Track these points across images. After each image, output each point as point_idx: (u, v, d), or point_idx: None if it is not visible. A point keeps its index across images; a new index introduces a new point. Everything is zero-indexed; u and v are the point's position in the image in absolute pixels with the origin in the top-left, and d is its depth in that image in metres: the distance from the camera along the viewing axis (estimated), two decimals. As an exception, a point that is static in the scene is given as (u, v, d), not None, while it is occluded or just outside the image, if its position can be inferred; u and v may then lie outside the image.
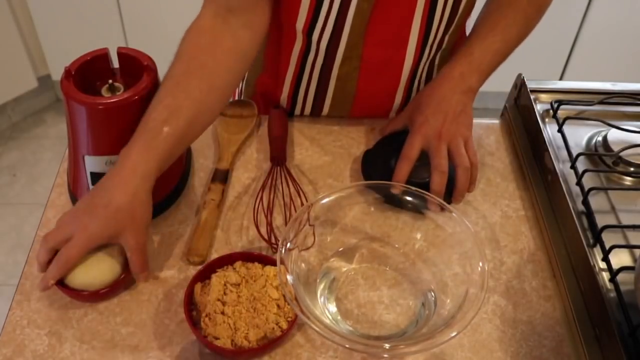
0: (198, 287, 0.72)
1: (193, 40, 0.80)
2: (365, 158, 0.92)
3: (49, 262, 0.71)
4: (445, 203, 0.75)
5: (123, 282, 0.75)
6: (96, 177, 0.80)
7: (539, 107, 0.99)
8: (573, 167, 0.89)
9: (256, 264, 0.75)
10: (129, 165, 0.71)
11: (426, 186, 0.82)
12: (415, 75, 0.94)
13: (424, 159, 0.85)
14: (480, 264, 0.69)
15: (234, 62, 0.81)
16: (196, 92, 0.76)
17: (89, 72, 0.80)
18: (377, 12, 0.82)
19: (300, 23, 0.85)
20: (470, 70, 0.86)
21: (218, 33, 0.79)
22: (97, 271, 0.72)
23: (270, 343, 0.68)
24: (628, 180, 0.89)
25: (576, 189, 0.86)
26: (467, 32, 0.93)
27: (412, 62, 0.90)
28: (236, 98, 1.08)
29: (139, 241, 0.72)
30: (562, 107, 0.98)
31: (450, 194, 0.84)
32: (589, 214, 0.82)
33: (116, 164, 0.72)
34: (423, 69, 0.94)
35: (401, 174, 0.82)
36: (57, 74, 2.32)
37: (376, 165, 0.90)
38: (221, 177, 0.89)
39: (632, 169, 0.89)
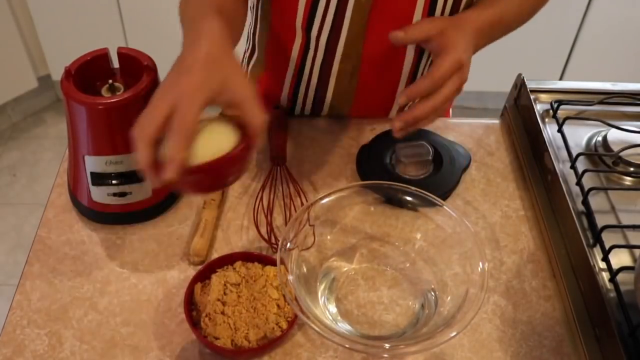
0: (198, 287, 0.72)
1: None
2: (360, 153, 0.92)
3: (154, 163, 0.58)
4: (437, 198, 0.76)
5: (247, 149, 0.62)
6: (96, 177, 0.80)
7: (538, 107, 0.99)
8: (573, 167, 0.89)
9: (256, 264, 0.75)
10: (205, 28, 0.64)
11: (422, 183, 0.82)
12: (415, 73, 0.94)
13: (420, 149, 0.85)
14: (480, 264, 0.69)
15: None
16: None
17: (89, 72, 0.80)
18: (376, 8, 0.82)
19: (299, 19, 0.85)
20: (488, 33, 0.83)
21: None
22: (218, 138, 0.61)
23: (270, 343, 0.68)
24: (628, 180, 0.89)
25: (576, 189, 0.86)
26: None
27: (413, 60, 0.90)
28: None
29: (249, 86, 0.61)
30: (562, 107, 0.98)
31: (441, 191, 0.84)
32: (589, 214, 0.82)
33: (186, 39, 0.66)
34: (424, 67, 0.94)
35: (417, 89, 0.72)
36: (57, 74, 2.32)
37: (371, 161, 0.90)
38: (221, 177, 0.89)
39: (632, 169, 0.89)
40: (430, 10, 0.82)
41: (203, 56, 0.60)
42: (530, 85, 1.00)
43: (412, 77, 0.95)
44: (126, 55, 0.82)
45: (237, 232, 0.84)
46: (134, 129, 0.57)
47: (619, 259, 0.77)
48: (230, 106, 0.61)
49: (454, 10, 0.83)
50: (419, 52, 0.89)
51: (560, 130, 0.94)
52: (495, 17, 0.82)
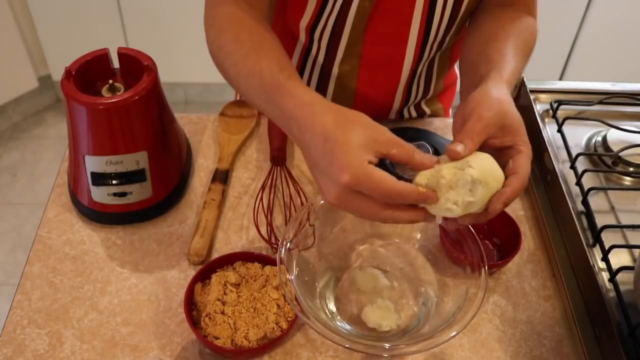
0: (198, 287, 0.73)
1: (237, 23, 0.74)
2: None
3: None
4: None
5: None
6: (96, 177, 0.80)
7: (538, 107, 0.99)
8: (573, 167, 0.89)
9: (256, 264, 0.75)
10: (298, 111, 0.62)
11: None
12: (415, 74, 0.94)
13: (420, 149, 0.85)
14: (480, 264, 0.69)
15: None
16: (273, 51, 0.72)
17: (89, 72, 0.80)
18: (377, 10, 0.82)
19: (305, 21, 0.86)
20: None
21: (253, 18, 0.76)
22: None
23: (270, 343, 0.68)
24: (627, 180, 0.89)
25: (576, 189, 0.86)
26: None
27: (412, 61, 0.90)
28: (236, 98, 1.08)
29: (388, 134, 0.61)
30: (561, 107, 0.98)
31: None
32: (589, 213, 0.82)
33: (276, 116, 0.64)
34: (422, 68, 0.94)
35: (514, 196, 0.63)
36: (57, 74, 2.32)
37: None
38: (221, 177, 0.89)
39: (631, 169, 0.89)
40: (429, 13, 0.82)
41: (335, 129, 0.59)
42: (530, 85, 1.01)
43: (412, 77, 0.95)
44: (126, 55, 0.82)
45: (237, 232, 0.84)
46: (383, 222, 0.60)
47: (619, 258, 0.77)
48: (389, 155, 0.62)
49: (454, 11, 0.83)
50: (419, 52, 0.89)
51: (560, 130, 0.94)
52: (513, 78, 0.74)
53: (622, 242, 0.79)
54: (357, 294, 0.74)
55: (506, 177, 0.63)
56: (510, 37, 0.77)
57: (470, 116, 0.64)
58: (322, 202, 0.74)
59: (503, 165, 0.64)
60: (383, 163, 0.89)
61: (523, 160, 0.64)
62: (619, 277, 0.74)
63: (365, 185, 0.57)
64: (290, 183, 0.89)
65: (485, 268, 0.69)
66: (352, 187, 0.57)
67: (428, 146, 0.89)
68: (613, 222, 0.82)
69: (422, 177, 0.61)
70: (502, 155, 0.65)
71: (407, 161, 0.61)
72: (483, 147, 0.63)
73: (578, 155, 0.88)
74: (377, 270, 0.77)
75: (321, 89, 0.97)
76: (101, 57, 0.82)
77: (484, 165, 0.61)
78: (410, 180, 0.81)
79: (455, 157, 0.62)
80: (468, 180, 0.60)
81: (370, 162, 0.58)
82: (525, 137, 0.65)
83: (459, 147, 0.62)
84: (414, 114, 1.05)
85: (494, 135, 0.64)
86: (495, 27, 0.80)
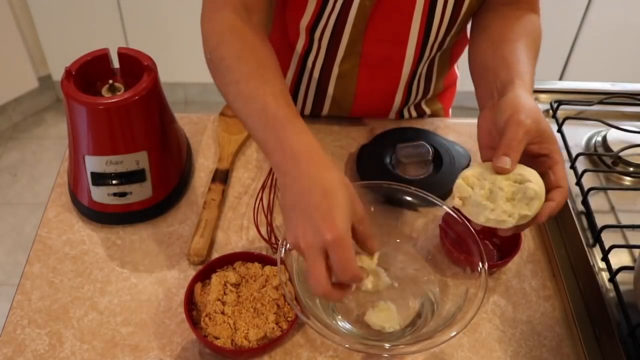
0: (198, 287, 0.73)
1: (238, 37, 0.74)
2: (360, 153, 0.92)
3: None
4: (437, 198, 0.76)
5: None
6: (96, 177, 0.80)
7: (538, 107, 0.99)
8: (573, 167, 0.89)
9: (256, 264, 0.75)
10: (302, 149, 0.63)
11: (422, 183, 0.82)
12: (415, 74, 0.94)
13: (420, 149, 0.85)
14: (480, 264, 0.69)
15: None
16: (277, 79, 0.72)
17: (90, 72, 0.80)
18: (378, 10, 0.82)
19: (305, 21, 0.86)
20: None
21: (255, 30, 0.76)
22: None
23: (270, 343, 0.68)
24: (627, 180, 0.89)
25: (576, 189, 0.86)
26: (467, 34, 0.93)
27: (412, 61, 0.90)
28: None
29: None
30: (561, 107, 0.98)
31: (441, 191, 0.84)
32: (589, 213, 0.82)
33: (280, 163, 0.65)
34: (423, 68, 0.94)
35: (558, 208, 0.65)
36: (57, 74, 2.32)
37: (371, 161, 0.90)
38: (221, 177, 0.89)
39: (631, 169, 0.89)
40: (429, 13, 0.82)
41: (332, 192, 0.61)
42: (531, 85, 1.01)
43: (412, 77, 0.95)
44: (126, 56, 0.82)
45: (237, 232, 0.84)
46: (315, 291, 0.61)
47: (619, 258, 0.77)
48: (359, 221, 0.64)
49: (455, 12, 0.83)
50: (419, 52, 0.89)
51: (560, 130, 0.94)
52: (532, 85, 0.74)
53: (622, 242, 0.79)
54: (358, 294, 0.74)
55: (550, 189, 0.64)
56: (521, 39, 0.77)
57: (509, 124, 0.64)
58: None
59: (540, 172, 0.65)
60: (383, 162, 0.89)
61: (563, 172, 0.65)
62: (619, 277, 0.74)
63: (338, 252, 0.59)
64: (290, 183, 0.89)
65: (485, 268, 0.69)
66: (328, 245, 0.59)
67: (428, 146, 0.89)
68: (613, 222, 0.82)
69: (365, 260, 0.67)
70: (537, 162, 0.66)
71: (363, 241, 0.66)
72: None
73: (578, 155, 0.88)
74: (379, 268, 0.77)
75: (321, 88, 0.97)
76: (101, 57, 0.82)
77: (539, 180, 0.63)
78: (410, 181, 0.81)
79: (502, 173, 0.63)
80: (530, 195, 0.62)
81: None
82: (558, 145, 0.67)
83: (507, 162, 0.63)
84: (414, 114, 1.05)
85: (533, 141, 0.65)
86: (504, 28, 0.80)
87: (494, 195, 0.63)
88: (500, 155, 0.64)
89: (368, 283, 0.70)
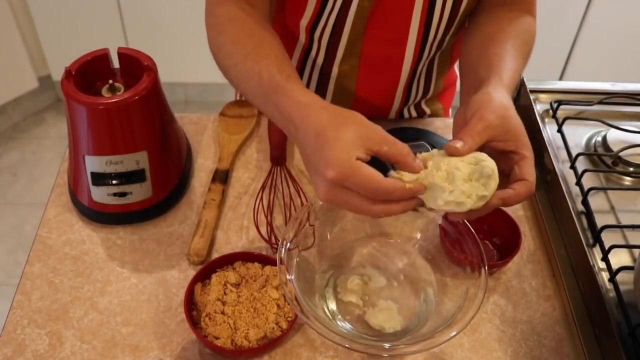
0: (198, 287, 0.73)
1: (237, 24, 0.74)
2: None
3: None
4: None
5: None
6: (96, 177, 0.80)
7: (538, 107, 0.99)
8: (573, 167, 0.89)
9: (256, 264, 0.75)
10: (293, 110, 0.63)
11: None
12: (414, 74, 0.94)
13: (420, 149, 0.85)
14: (480, 264, 0.69)
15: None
16: (272, 53, 0.72)
17: (90, 72, 0.80)
18: (377, 10, 0.82)
19: (305, 21, 0.86)
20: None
21: (253, 18, 0.76)
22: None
23: (270, 343, 0.68)
24: (627, 180, 0.89)
25: (576, 189, 0.86)
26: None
27: (412, 60, 0.90)
28: (237, 98, 1.09)
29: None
30: (561, 107, 0.98)
31: None
32: (589, 213, 0.82)
33: (275, 113, 0.65)
34: (422, 68, 0.94)
35: (519, 199, 0.64)
36: (57, 74, 2.32)
37: (371, 161, 0.90)
38: (221, 177, 0.89)
39: (631, 169, 0.89)
40: (428, 13, 0.82)
41: (330, 125, 0.60)
42: (530, 85, 1.01)
43: (412, 77, 0.95)
44: (126, 55, 0.82)
45: (237, 232, 0.84)
46: (373, 216, 0.60)
47: (619, 258, 0.77)
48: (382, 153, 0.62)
49: (454, 11, 0.83)
50: (419, 52, 0.89)
51: (560, 130, 0.94)
52: (513, 82, 0.74)
53: (622, 242, 0.79)
54: (357, 294, 0.74)
55: (513, 181, 0.63)
56: (509, 40, 0.77)
57: (472, 118, 0.64)
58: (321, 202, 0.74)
59: (506, 169, 0.64)
60: (383, 163, 0.89)
61: (529, 167, 0.64)
62: (619, 277, 0.74)
63: (351, 181, 0.57)
64: (290, 183, 0.89)
65: (485, 268, 0.69)
66: (338, 182, 0.58)
67: (428, 146, 0.89)
68: (613, 222, 0.82)
69: (408, 176, 0.62)
70: (503, 159, 0.65)
71: (397, 160, 0.62)
72: (484, 150, 0.63)
73: (578, 155, 0.88)
74: (375, 270, 0.77)
75: (321, 89, 0.97)
76: (101, 57, 0.82)
77: (493, 162, 0.62)
78: None
79: (453, 153, 0.62)
80: (487, 173, 0.60)
81: (359, 159, 0.59)
82: (528, 142, 0.66)
83: (458, 144, 0.62)
84: (414, 113, 1.05)
85: (497, 138, 0.64)
86: (495, 29, 0.80)
87: (451, 177, 0.61)
88: (454, 139, 0.63)
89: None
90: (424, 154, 0.65)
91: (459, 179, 0.61)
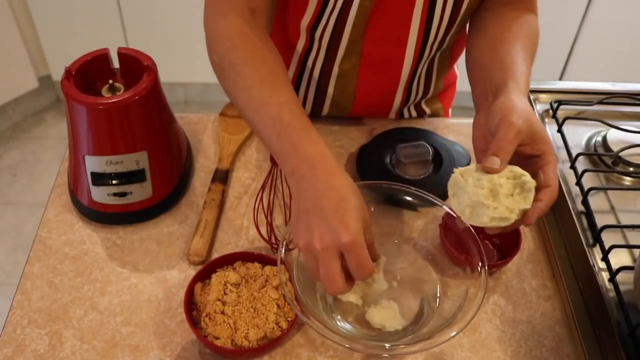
0: (198, 287, 0.73)
1: (248, 42, 0.74)
2: (360, 153, 0.92)
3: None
4: (437, 198, 0.76)
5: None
6: (96, 177, 0.80)
7: (538, 107, 0.99)
8: (573, 167, 0.89)
9: (256, 264, 0.75)
10: (318, 157, 0.65)
11: (422, 183, 0.82)
12: (415, 74, 0.94)
13: (420, 149, 0.85)
14: (480, 264, 0.69)
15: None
16: (287, 86, 0.73)
17: (90, 73, 0.80)
18: (377, 9, 0.83)
19: (306, 21, 0.86)
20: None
21: (262, 35, 0.77)
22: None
23: (270, 343, 0.68)
24: (627, 180, 0.89)
25: (576, 189, 0.86)
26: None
27: (412, 60, 0.90)
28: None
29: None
30: (561, 107, 0.98)
31: (441, 191, 0.84)
32: (589, 213, 0.82)
33: (292, 170, 0.66)
34: (423, 68, 0.94)
35: (547, 209, 0.65)
36: (57, 74, 2.32)
37: (371, 161, 0.90)
38: (221, 177, 0.89)
39: (631, 169, 0.89)
40: (429, 12, 0.82)
41: (346, 199, 0.63)
42: (530, 85, 1.00)
43: (412, 77, 0.95)
44: (126, 55, 0.82)
45: (237, 232, 0.84)
46: (331, 291, 0.63)
47: (619, 258, 0.77)
48: None
49: (454, 11, 0.83)
50: (419, 52, 0.89)
51: (560, 130, 0.94)
52: (528, 86, 0.75)
53: (622, 242, 0.79)
54: (357, 294, 0.74)
55: (539, 188, 0.65)
56: (518, 40, 0.78)
57: (500, 125, 0.65)
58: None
59: (532, 174, 0.65)
60: (383, 162, 0.89)
61: (553, 173, 0.66)
62: (619, 277, 0.74)
63: (356, 252, 0.62)
64: (290, 183, 0.89)
65: (485, 268, 0.69)
66: (344, 247, 0.61)
67: (428, 146, 0.89)
68: (613, 222, 0.82)
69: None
70: (529, 163, 0.67)
71: (358, 263, 0.64)
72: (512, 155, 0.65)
73: (578, 155, 0.88)
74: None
75: (321, 88, 0.97)
76: (101, 57, 0.82)
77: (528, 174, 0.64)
78: (410, 181, 0.81)
79: (491, 172, 0.64)
80: (529, 187, 0.63)
81: None
82: (552, 146, 0.67)
83: (496, 163, 0.64)
84: (414, 113, 1.05)
85: (525, 142, 0.65)
86: (501, 28, 0.80)
87: (495, 193, 0.63)
88: (489, 155, 0.64)
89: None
90: (461, 169, 0.67)
91: (502, 195, 0.63)
